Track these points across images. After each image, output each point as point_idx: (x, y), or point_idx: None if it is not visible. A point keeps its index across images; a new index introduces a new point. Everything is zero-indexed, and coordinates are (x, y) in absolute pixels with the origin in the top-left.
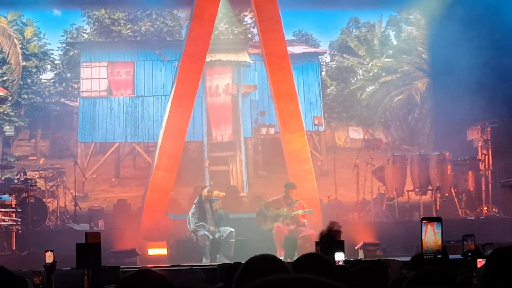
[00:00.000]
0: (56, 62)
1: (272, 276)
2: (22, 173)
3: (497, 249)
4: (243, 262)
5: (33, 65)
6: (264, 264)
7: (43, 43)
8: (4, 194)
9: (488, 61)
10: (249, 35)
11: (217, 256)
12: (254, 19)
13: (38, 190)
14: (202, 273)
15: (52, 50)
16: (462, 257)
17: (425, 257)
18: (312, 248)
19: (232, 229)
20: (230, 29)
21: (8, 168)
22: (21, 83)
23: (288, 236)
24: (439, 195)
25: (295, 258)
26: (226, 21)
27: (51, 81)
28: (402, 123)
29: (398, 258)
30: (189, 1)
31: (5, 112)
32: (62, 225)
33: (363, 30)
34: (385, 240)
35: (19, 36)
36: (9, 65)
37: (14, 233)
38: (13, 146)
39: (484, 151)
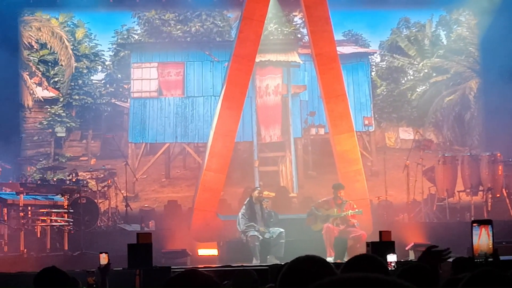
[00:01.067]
0: (107, 63)
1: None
2: (73, 174)
3: None
4: None
5: (84, 66)
6: (309, 264)
7: (94, 44)
8: (56, 195)
9: None
10: (299, 35)
11: (268, 257)
12: (303, 20)
13: (89, 190)
14: (255, 274)
15: (103, 51)
16: None
17: (476, 260)
18: (362, 249)
19: (282, 230)
20: (279, 29)
21: (60, 169)
22: (72, 84)
23: (338, 237)
24: (490, 195)
25: (345, 259)
26: (276, 21)
27: (102, 82)
28: (453, 123)
29: (449, 259)
30: (238, 2)
31: (57, 113)
32: (114, 225)
33: (414, 30)
34: (436, 241)
35: (70, 37)
36: (61, 66)
37: (66, 233)
38: (65, 146)
39: None
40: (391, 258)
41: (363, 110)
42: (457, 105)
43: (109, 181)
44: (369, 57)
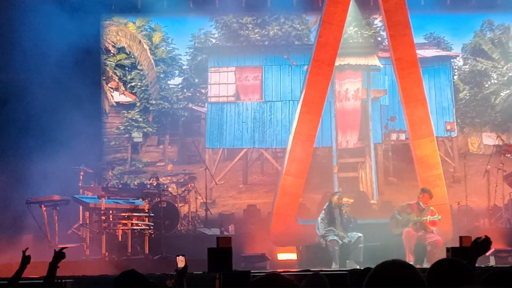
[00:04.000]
0: (184, 67)
1: None
2: (154, 178)
3: None
4: (372, 267)
5: (161, 71)
6: (395, 269)
7: (171, 48)
8: (138, 199)
9: None
10: (379, 39)
11: (347, 261)
12: (383, 23)
13: (170, 195)
14: (326, 279)
15: (180, 55)
16: None
17: None
18: (439, 255)
19: (361, 234)
20: (359, 33)
21: (141, 173)
22: (149, 88)
23: (417, 242)
24: None
25: (424, 264)
26: (356, 25)
27: (179, 86)
28: None
29: None
30: (317, 6)
31: (134, 118)
32: (194, 229)
33: (497, 33)
34: None
35: (148, 41)
36: (138, 71)
37: (147, 237)
38: (141, 152)
39: None
40: None
41: (445, 115)
42: None
43: (189, 186)
44: (452, 60)
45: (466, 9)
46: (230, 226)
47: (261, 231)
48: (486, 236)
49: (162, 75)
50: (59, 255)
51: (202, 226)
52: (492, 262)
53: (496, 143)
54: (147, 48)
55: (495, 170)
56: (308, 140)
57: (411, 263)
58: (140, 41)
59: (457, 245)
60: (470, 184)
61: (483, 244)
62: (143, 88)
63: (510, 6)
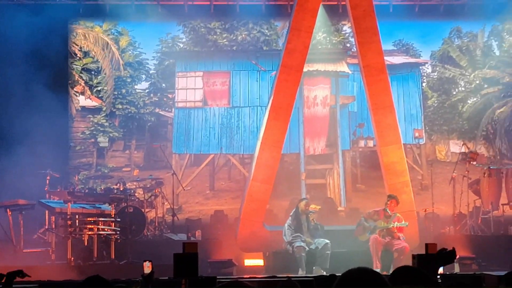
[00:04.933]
0: (151, 72)
1: None
2: (121, 183)
3: None
4: (338, 274)
5: (128, 75)
6: (361, 276)
7: (138, 52)
8: (104, 203)
9: None
10: (348, 45)
11: (314, 268)
12: (352, 30)
13: (136, 200)
14: (298, 285)
15: (147, 59)
16: None
17: None
18: (406, 262)
19: (328, 241)
20: (328, 39)
21: (106, 178)
22: (116, 93)
23: (385, 249)
24: None
25: (391, 271)
26: (324, 31)
27: (146, 91)
28: (505, 136)
29: (494, 273)
30: (286, 12)
31: (100, 123)
32: (160, 235)
33: (465, 40)
34: (481, 254)
35: (114, 45)
36: (104, 75)
37: (113, 242)
38: (107, 157)
39: None
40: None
41: (413, 122)
42: (508, 117)
43: (156, 191)
44: (420, 67)
45: (434, 16)
46: (197, 232)
47: (228, 237)
48: (453, 248)
49: (129, 80)
50: (20, 273)
51: (169, 231)
52: (456, 269)
53: (462, 150)
54: (116, 51)
55: (461, 177)
56: (276, 146)
57: (378, 270)
58: (104, 45)
59: (423, 252)
60: (437, 191)
61: (449, 255)
62: (109, 93)
63: (477, 14)
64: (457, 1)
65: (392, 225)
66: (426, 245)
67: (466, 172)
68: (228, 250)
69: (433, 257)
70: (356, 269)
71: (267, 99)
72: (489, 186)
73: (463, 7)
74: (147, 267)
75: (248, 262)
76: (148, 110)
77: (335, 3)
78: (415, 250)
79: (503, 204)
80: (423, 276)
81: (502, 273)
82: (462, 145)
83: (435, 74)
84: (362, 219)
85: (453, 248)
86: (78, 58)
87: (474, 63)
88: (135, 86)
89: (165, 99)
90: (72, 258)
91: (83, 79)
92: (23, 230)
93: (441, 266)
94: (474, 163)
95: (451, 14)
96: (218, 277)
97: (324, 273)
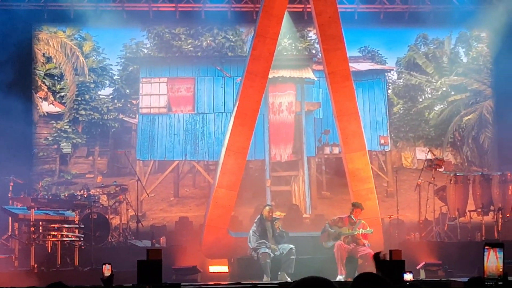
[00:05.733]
0: (115, 77)
1: None
2: (85, 190)
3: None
4: None
5: (92, 81)
6: (314, 284)
7: (102, 58)
8: (68, 210)
9: None
10: (313, 51)
11: (279, 273)
12: (317, 37)
13: (101, 206)
14: None
15: (111, 65)
16: None
17: (486, 283)
18: (371, 268)
19: (292, 246)
20: (293, 45)
21: (69, 185)
22: (79, 99)
23: (349, 256)
24: (500, 216)
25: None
26: (290, 37)
27: (110, 97)
28: (472, 143)
29: (460, 279)
30: (252, 19)
31: (63, 129)
32: (125, 241)
33: (432, 47)
34: (447, 260)
35: (78, 50)
36: (67, 81)
37: (77, 249)
38: (70, 163)
39: None
40: (408, 277)
41: (379, 129)
42: (475, 124)
43: (121, 197)
44: (386, 74)
45: (400, 23)
46: (161, 238)
47: (193, 243)
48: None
49: (92, 85)
50: None
51: (133, 238)
52: (422, 275)
53: (428, 157)
54: (80, 56)
55: (427, 184)
56: (241, 152)
57: (343, 276)
58: (68, 51)
59: (387, 258)
60: (403, 198)
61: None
62: (72, 98)
63: (442, 22)
64: (422, 8)
65: (357, 232)
66: (390, 251)
67: (432, 178)
68: (193, 257)
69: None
70: (308, 278)
71: (232, 105)
72: (456, 193)
73: (429, 14)
74: (107, 270)
75: (213, 268)
76: (112, 116)
77: (301, 9)
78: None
79: (470, 211)
80: (385, 282)
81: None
82: (428, 151)
83: (401, 81)
84: (327, 225)
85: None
86: (41, 63)
87: (441, 70)
88: (99, 92)
89: (129, 105)
90: (36, 265)
91: (46, 85)
92: None
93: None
94: (440, 170)
95: (417, 21)
96: (182, 284)
97: (289, 279)
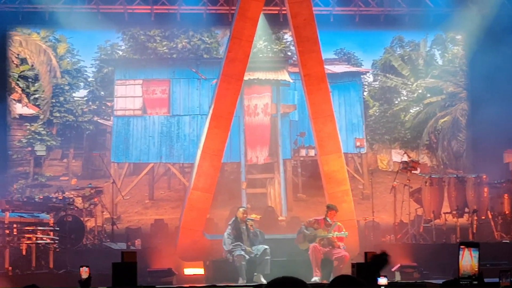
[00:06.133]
0: (89, 79)
1: None
2: (60, 192)
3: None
4: None
5: (66, 83)
6: (287, 285)
7: (76, 60)
8: (43, 212)
9: None
10: (289, 53)
11: (255, 274)
12: (292, 39)
13: (75, 208)
14: None
15: (86, 67)
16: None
17: (461, 282)
18: (346, 270)
19: (266, 246)
20: (269, 47)
21: (43, 187)
22: (53, 101)
23: (325, 258)
24: (475, 217)
25: (331, 280)
26: (265, 39)
27: (84, 99)
28: (448, 145)
29: (435, 281)
30: (227, 21)
31: (37, 131)
32: (100, 244)
33: (407, 50)
34: (422, 262)
35: (52, 52)
36: (41, 83)
37: (52, 251)
38: (44, 165)
39: None
40: (382, 280)
41: (354, 131)
42: (451, 126)
43: (96, 200)
44: (362, 76)
45: (375, 26)
46: (136, 241)
47: (168, 246)
48: (384, 251)
49: (67, 87)
50: None
51: (108, 240)
52: (397, 277)
53: (404, 159)
54: (54, 58)
55: (402, 186)
56: (216, 155)
57: (318, 278)
58: (42, 53)
59: (363, 260)
60: (379, 200)
61: (380, 258)
62: (46, 100)
63: (418, 24)
64: (397, 11)
65: (331, 235)
66: (365, 253)
67: (407, 181)
68: (168, 259)
69: (367, 264)
70: (281, 278)
71: (208, 107)
72: (431, 195)
73: (404, 17)
74: (85, 272)
75: (188, 271)
76: (86, 119)
77: (276, 12)
78: (355, 259)
79: (445, 213)
80: (361, 285)
81: (444, 281)
82: (404, 154)
83: (377, 83)
84: (303, 227)
85: (384, 251)
86: (15, 65)
87: (417, 72)
88: (73, 94)
89: (103, 107)
90: (10, 268)
91: (20, 87)
92: None
93: (376, 271)
94: (416, 172)
95: (392, 24)
96: (157, 286)
97: (264, 281)
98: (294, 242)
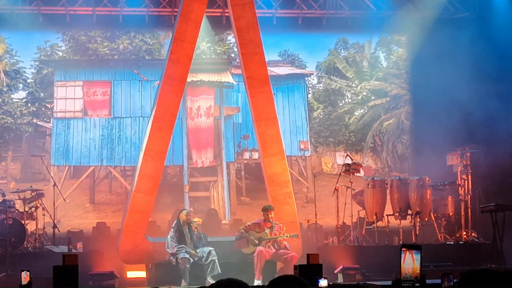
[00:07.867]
0: (28, 80)
1: None
2: (0, 195)
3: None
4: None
5: (4, 84)
6: (230, 286)
7: (15, 60)
8: None
9: (466, 87)
10: (233, 55)
11: (207, 279)
12: (235, 41)
13: (16, 211)
14: None
15: (25, 68)
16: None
17: (403, 284)
18: (289, 272)
19: (211, 248)
20: (212, 49)
21: None
22: None
23: (268, 260)
24: (418, 219)
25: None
26: (208, 40)
27: (23, 100)
28: (392, 148)
29: (377, 283)
30: (170, 23)
31: None
32: (41, 247)
33: (352, 51)
34: (365, 264)
35: None
36: None
37: None
38: None
39: (464, 176)
40: (324, 283)
41: (299, 133)
42: (395, 129)
43: (37, 202)
44: (306, 78)
45: (318, 28)
46: (78, 244)
47: (110, 249)
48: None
49: (5, 89)
50: None
51: (49, 243)
52: (340, 279)
53: (346, 161)
54: None
55: (345, 189)
56: (159, 157)
57: (260, 281)
58: None
59: (305, 262)
60: (323, 203)
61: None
62: None
63: (361, 27)
64: (340, 14)
65: (281, 237)
66: (308, 255)
67: (350, 183)
68: (110, 262)
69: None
70: (224, 281)
71: (150, 109)
72: (373, 197)
73: (347, 19)
74: (25, 278)
75: (130, 274)
76: (25, 121)
77: (219, 14)
78: (299, 261)
79: (387, 215)
80: (302, 284)
81: (386, 283)
82: (346, 156)
83: (321, 85)
84: (243, 231)
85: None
86: None
87: (361, 74)
88: (12, 96)
89: (43, 109)
90: None
91: None
92: None
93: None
94: (359, 174)
95: (335, 26)
96: None
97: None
98: (234, 247)
